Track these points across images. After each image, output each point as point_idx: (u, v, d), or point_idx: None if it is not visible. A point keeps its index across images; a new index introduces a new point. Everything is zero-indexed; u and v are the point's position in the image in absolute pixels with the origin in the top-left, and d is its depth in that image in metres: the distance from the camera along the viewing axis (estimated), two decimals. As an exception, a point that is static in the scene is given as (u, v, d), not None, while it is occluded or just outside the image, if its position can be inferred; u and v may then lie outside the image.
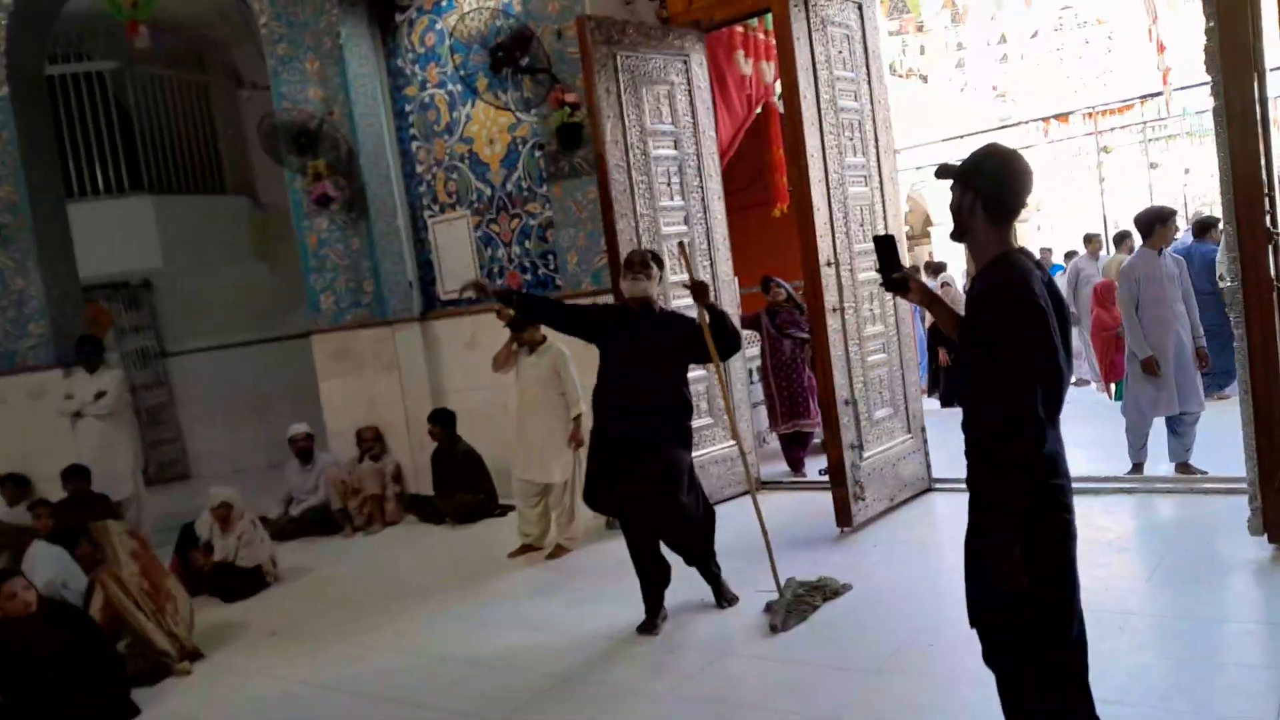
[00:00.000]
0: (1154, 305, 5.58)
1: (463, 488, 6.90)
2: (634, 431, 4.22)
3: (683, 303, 6.17)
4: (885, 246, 2.66)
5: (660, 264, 4.49)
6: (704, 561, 4.46)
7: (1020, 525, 2.23)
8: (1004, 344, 2.24)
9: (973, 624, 2.46)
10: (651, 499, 4.25)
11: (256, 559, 5.89)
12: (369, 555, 6.57)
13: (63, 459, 6.76)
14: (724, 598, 4.46)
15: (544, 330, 5.66)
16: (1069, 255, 10.48)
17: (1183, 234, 8.78)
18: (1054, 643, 2.38)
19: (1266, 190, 4.15)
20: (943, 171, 2.52)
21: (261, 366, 11.07)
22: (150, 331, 11.09)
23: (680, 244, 4.62)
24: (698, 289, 4.29)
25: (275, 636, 5.03)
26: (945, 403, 8.79)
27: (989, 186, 2.36)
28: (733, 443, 6.38)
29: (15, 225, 7.77)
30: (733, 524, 5.43)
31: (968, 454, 2.43)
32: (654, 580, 4.35)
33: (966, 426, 2.43)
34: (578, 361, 5.71)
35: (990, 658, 2.50)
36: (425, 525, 7.05)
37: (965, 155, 2.55)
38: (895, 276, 2.63)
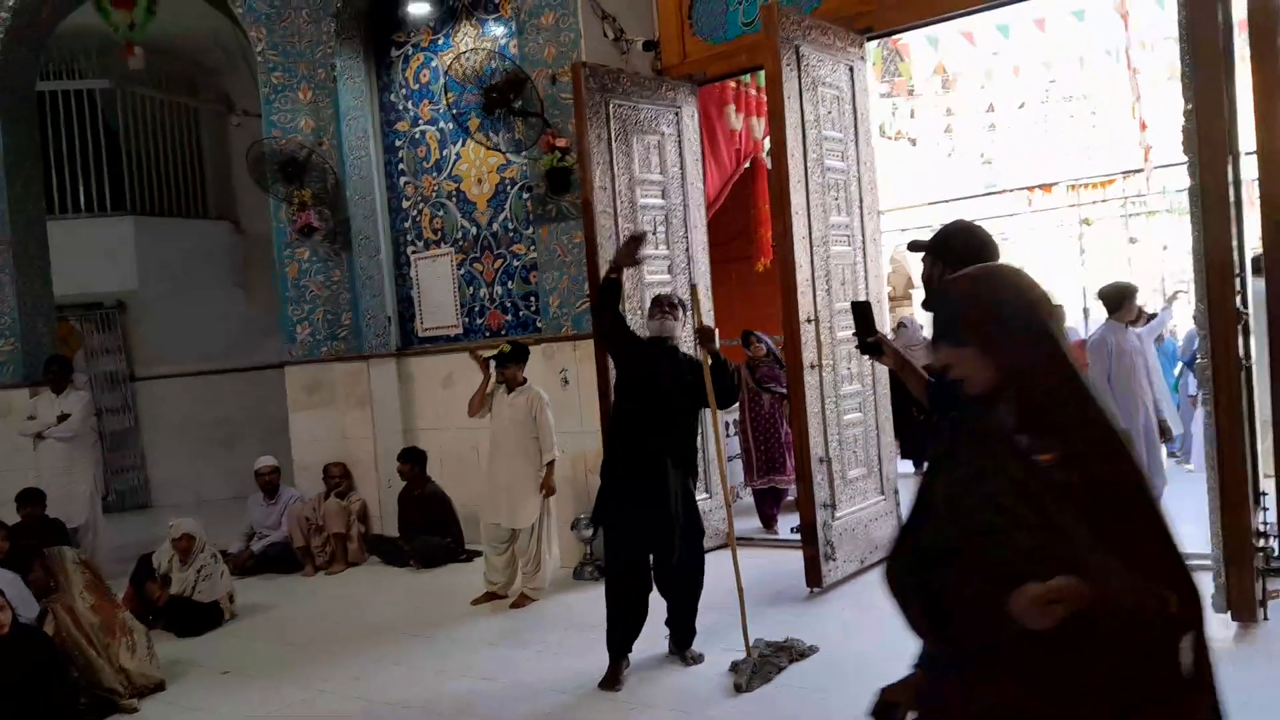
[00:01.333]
0: (1125, 379, 5.64)
1: (429, 530, 6.79)
2: (655, 470, 4.25)
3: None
4: (862, 311, 2.75)
5: (686, 310, 4.58)
6: (690, 614, 4.42)
7: None
8: None
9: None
10: (673, 543, 4.27)
11: (214, 594, 5.75)
12: (329, 595, 6.43)
13: (21, 480, 6.62)
14: (690, 656, 4.38)
15: (525, 373, 5.61)
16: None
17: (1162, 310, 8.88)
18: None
19: (1237, 271, 4.21)
20: (914, 245, 2.63)
21: (231, 396, 10.94)
22: (120, 354, 10.94)
23: (692, 287, 4.68)
24: (704, 333, 4.35)
25: (227, 675, 4.89)
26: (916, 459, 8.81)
27: (958, 259, 2.44)
28: (705, 495, 6.34)
29: (-8, 239, 7.70)
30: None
31: None
32: (629, 627, 4.29)
33: None
34: (559, 407, 5.69)
35: None
36: (388, 567, 6.92)
37: (938, 227, 2.65)
38: (870, 340, 2.69)
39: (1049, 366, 1.63)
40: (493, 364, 5.59)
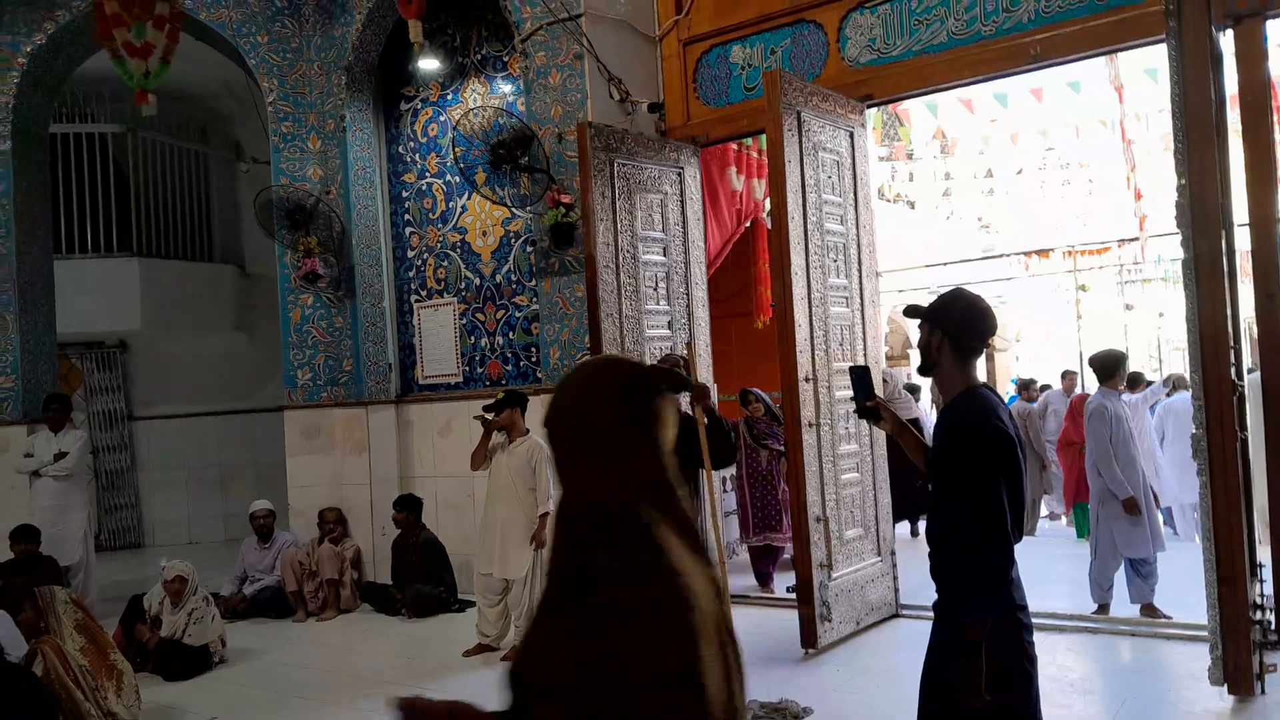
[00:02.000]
0: (1124, 445, 5.68)
1: (422, 578, 6.76)
2: None
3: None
4: (860, 376, 2.79)
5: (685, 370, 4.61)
6: None
7: (984, 643, 2.29)
8: (973, 470, 2.37)
9: None
10: None
11: (205, 637, 5.71)
12: (320, 642, 6.37)
13: (15, 517, 6.60)
14: None
15: (525, 423, 5.64)
16: (1043, 388, 10.64)
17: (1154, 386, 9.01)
18: None
19: (1232, 343, 4.27)
20: (911, 311, 2.67)
21: (229, 438, 10.95)
22: (119, 393, 10.95)
23: (688, 345, 4.70)
24: (700, 392, 4.36)
25: (214, 722, 4.84)
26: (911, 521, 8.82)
27: (955, 327, 2.50)
28: (700, 551, 6.32)
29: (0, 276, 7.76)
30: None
31: (934, 574, 2.48)
32: None
33: (934, 545, 2.49)
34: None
35: None
36: (380, 615, 6.87)
37: (937, 292, 2.70)
38: (869, 405, 2.72)
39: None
40: (491, 415, 5.61)
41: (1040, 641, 5.15)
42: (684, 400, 5.01)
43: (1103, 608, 5.71)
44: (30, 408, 7.64)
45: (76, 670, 4.39)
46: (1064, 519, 9.15)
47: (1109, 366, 5.86)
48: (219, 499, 10.83)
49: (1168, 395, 8.65)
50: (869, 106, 6.07)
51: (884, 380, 8.54)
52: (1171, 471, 8.25)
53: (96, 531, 9.30)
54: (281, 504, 7.63)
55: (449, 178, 7.44)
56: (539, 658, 1.37)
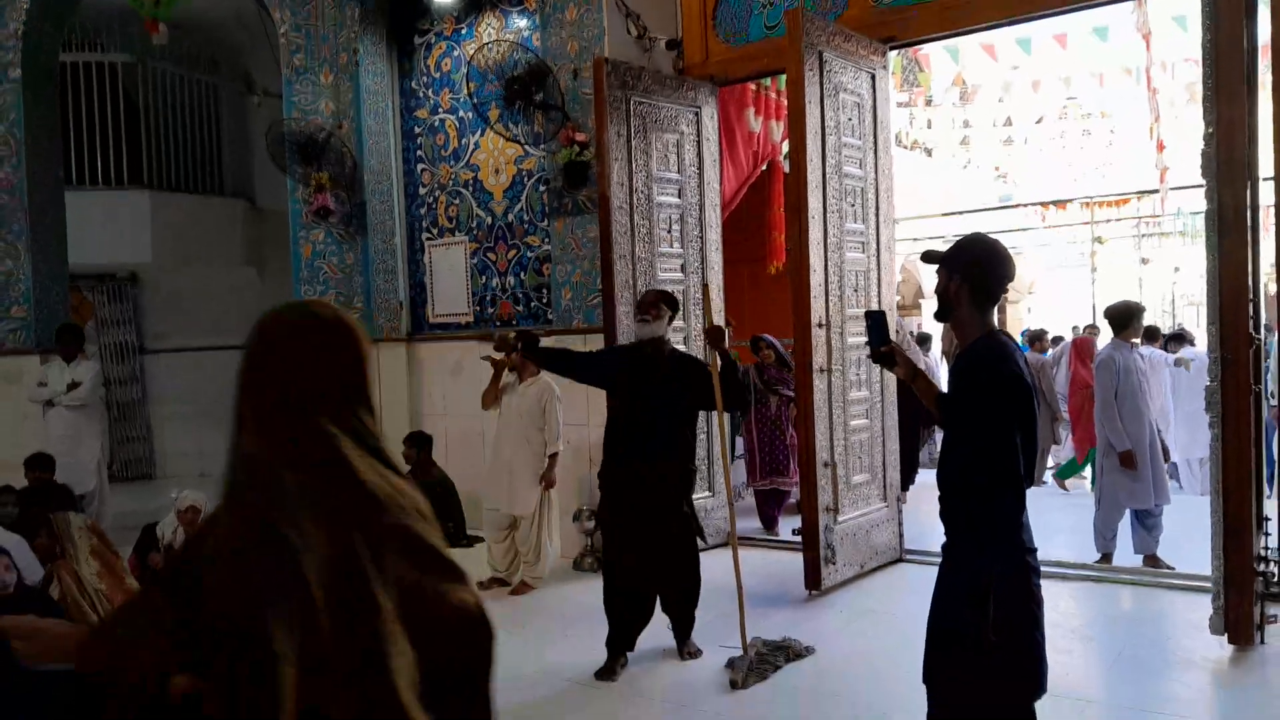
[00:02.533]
0: (1130, 397, 5.66)
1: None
2: (650, 478, 4.25)
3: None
4: (877, 321, 2.76)
5: (673, 304, 4.49)
6: (689, 611, 4.45)
7: (993, 584, 2.30)
8: (989, 412, 2.36)
9: (926, 681, 2.49)
10: (673, 553, 4.30)
11: (216, 566, 5.79)
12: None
13: (28, 446, 6.66)
14: (688, 650, 4.42)
15: None
16: (1055, 340, 10.60)
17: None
18: (1014, 707, 2.40)
19: (1251, 295, 4.22)
20: (929, 257, 2.63)
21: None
22: (131, 326, 11.00)
23: (704, 286, 4.65)
24: (714, 334, 4.33)
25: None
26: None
27: (975, 273, 2.47)
28: (707, 493, 6.37)
29: (11, 206, 7.74)
30: (702, 576, 5.39)
31: (943, 517, 2.49)
32: (627, 629, 4.31)
33: (945, 489, 2.48)
34: (566, 399, 5.72)
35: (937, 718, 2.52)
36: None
37: (954, 238, 2.65)
38: (883, 350, 2.70)
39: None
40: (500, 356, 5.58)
41: (1044, 588, 5.19)
42: (699, 343, 4.99)
43: (1105, 557, 5.75)
44: (43, 338, 7.68)
45: (92, 594, 4.46)
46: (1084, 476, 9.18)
47: (1123, 318, 5.82)
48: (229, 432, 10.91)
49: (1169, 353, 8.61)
50: (891, 49, 5.95)
51: (895, 330, 8.54)
52: (1181, 426, 8.26)
53: (109, 462, 9.40)
54: (292, 439, 7.67)
55: (462, 114, 7.35)
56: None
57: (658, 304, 4.39)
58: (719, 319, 5.43)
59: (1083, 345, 8.66)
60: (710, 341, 4.35)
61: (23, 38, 7.60)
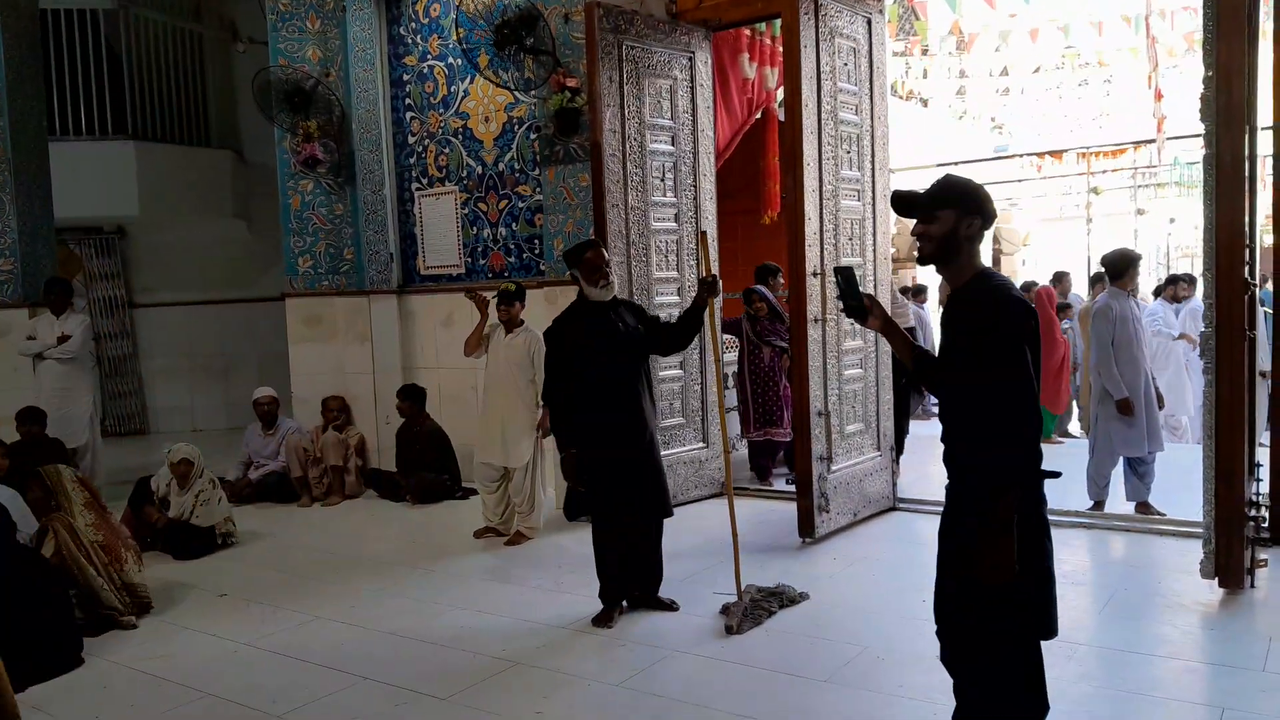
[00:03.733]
0: (1127, 346, 5.65)
1: (427, 466, 6.84)
2: (626, 436, 4.22)
3: (665, 298, 6.17)
4: (846, 277, 2.72)
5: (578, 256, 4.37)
6: (656, 556, 4.46)
7: (1016, 503, 2.34)
8: (1002, 342, 2.34)
9: (939, 621, 2.48)
10: (652, 502, 4.29)
11: (212, 519, 5.80)
12: (326, 526, 6.49)
13: (19, 400, 6.63)
14: (666, 601, 4.44)
15: (524, 315, 5.62)
16: (1028, 287, 10.50)
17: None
18: (1029, 641, 2.42)
19: (1247, 241, 4.20)
20: (903, 199, 2.57)
21: (231, 326, 10.94)
22: (120, 280, 10.91)
23: (702, 234, 4.57)
24: (709, 285, 4.26)
25: (225, 598, 4.95)
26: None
27: (988, 209, 2.44)
28: (701, 445, 6.38)
29: (-7, 157, 7.61)
30: (696, 526, 5.43)
31: (948, 461, 2.48)
32: (623, 579, 4.30)
33: (951, 428, 2.48)
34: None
35: (954, 658, 2.52)
36: (384, 501, 6.98)
37: (928, 185, 2.59)
38: (854, 304, 2.66)
39: None
40: (494, 302, 5.59)
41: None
42: (692, 293, 4.89)
43: (1098, 504, 5.79)
44: (30, 291, 7.59)
45: (89, 546, 4.46)
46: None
47: (1119, 266, 5.79)
48: (221, 387, 10.88)
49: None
50: (888, -9, 5.85)
51: (890, 287, 8.50)
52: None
53: (101, 417, 9.37)
54: (285, 392, 7.66)
55: (451, 60, 7.22)
56: None
57: (609, 261, 4.33)
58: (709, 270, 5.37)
59: (1046, 296, 8.75)
60: (706, 291, 4.30)
61: (0, -17, 7.41)
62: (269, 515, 6.74)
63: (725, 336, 6.90)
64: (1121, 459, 5.74)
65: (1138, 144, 12.44)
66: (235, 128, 11.12)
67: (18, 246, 7.61)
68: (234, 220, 10.87)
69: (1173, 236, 16.21)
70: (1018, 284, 7.25)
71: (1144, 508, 5.69)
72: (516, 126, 6.96)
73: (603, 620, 4.23)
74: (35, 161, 7.86)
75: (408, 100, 7.54)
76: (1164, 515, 5.56)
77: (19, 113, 7.62)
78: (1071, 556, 4.97)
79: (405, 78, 7.53)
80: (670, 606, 4.38)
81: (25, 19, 7.83)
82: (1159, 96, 11.00)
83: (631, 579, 4.35)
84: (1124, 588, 4.48)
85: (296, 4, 7.40)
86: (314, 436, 7.18)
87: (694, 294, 5.93)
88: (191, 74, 10.76)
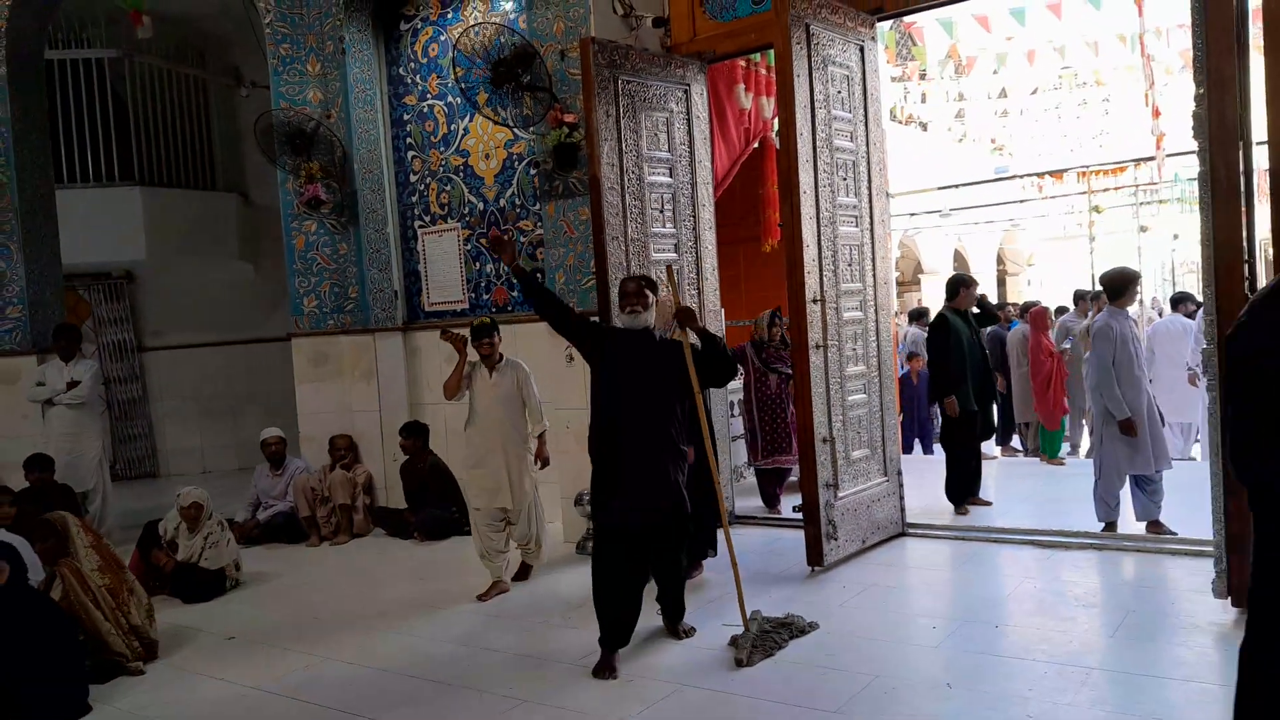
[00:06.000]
0: (1128, 365, 5.63)
1: (433, 503, 6.83)
2: (648, 468, 4.15)
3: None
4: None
5: (654, 287, 4.38)
6: (680, 591, 4.43)
7: None
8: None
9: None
10: (673, 539, 4.27)
11: (220, 561, 5.80)
12: (334, 565, 6.48)
13: (28, 447, 6.66)
14: (684, 629, 4.41)
15: (500, 348, 5.49)
16: (1060, 311, 10.56)
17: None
18: None
19: (1246, 257, 4.20)
20: None
21: (238, 367, 10.99)
22: (128, 324, 10.99)
23: (667, 267, 4.56)
24: (684, 315, 4.25)
25: (233, 641, 4.94)
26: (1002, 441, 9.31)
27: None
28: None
29: (2, 207, 7.71)
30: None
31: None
32: (623, 618, 4.19)
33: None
34: (567, 382, 5.65)
35: None
36: (392, 539, 6.97)
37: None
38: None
39: None
40: (469, 340, 5.38)
41: (1045, 558, 5.19)
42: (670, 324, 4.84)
43: (1109, 525, 5.74)
44: (39, 338, 7.67)
45: (95, 590, 4.46)
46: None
47: (1118, 285, 5.79)
48: (230, 428, 10.92)
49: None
50: (880, 19, 5.90)
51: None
52: (1165, 393, 8.27)
53: (112, 461, 9.40)
54: (292, 432, 7.68)
55: (450, 99, 7.30)
56: None
57: (642, 292, 4.27)
58: (710, 302, 5.38)
59: (1038, 316, 8.92)
60: (681, 322, 4.27)
61: (5, 34, 7.55)
62: (278, 556, 6.73)
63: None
64: (1129, 478, 5.70)
65: (1138, 161, 12.46)
66: (240, 171, 11.24)
67: (26, 294, 7.69)
68: (240, 262, 10.97)
69: (1177, 252, 16.19)
70: (1021, 303, 7.26)
71: (1155, 526, 5.64)
72: (516, 163, 7.02)
73: (603, 671, 4.04)
74: (42, 209, 7.97)
75: (409, 139, 7.62)
76: (1175, 534, 5.51)
77: (26, 161, 7.73)
78: (1083, 579, 4.93)
79: (406, 117, 7.62)
80: (687, 633, 4.38)
81: (31, 70, 7.97)
82: (1157, 114, 11.04)
83: (633, 621, 4.25)
84: (1136, 609, 4.43)
85: (297, 48, 7.51)
86: (322, 475, 7.18)
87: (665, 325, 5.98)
88: (196, 119, 10.91)
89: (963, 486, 6.59)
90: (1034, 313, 9.04)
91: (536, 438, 5.50)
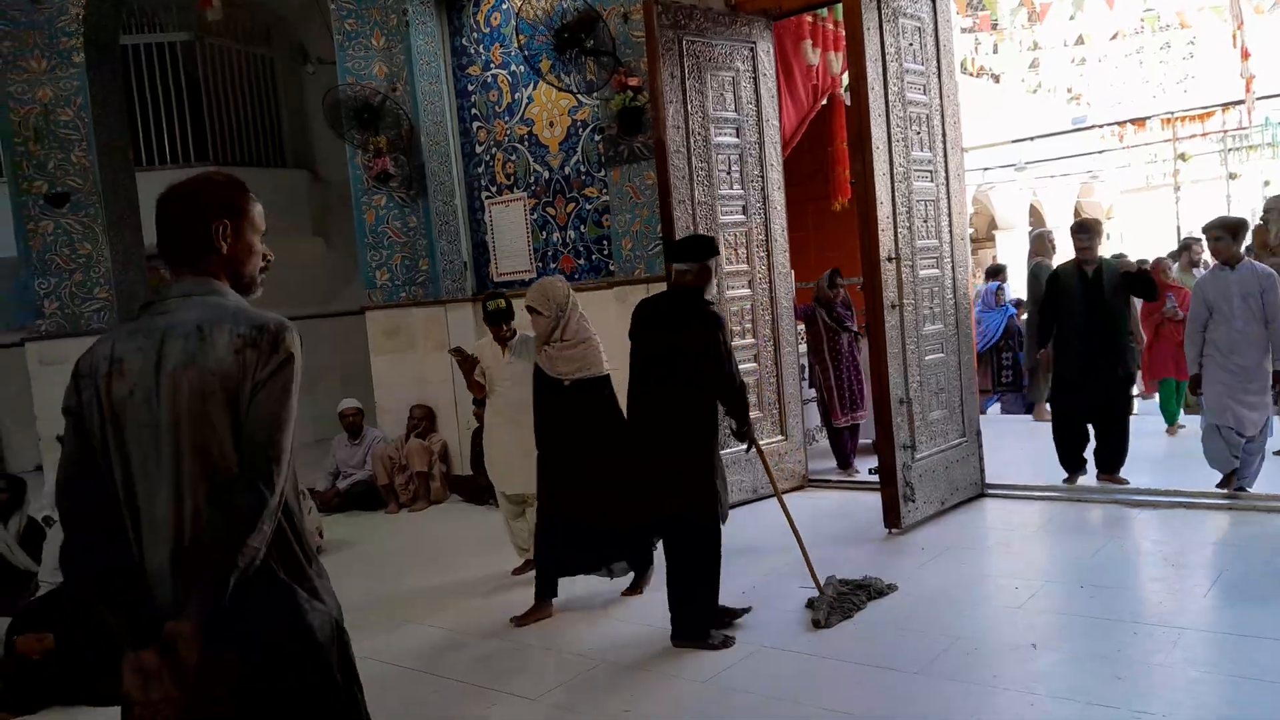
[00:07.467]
0: (1225, 321, 5.36)
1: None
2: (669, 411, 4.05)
3: (736, 292, 6.12)
4: None
5: (715, 251, 4.16)
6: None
7: None
8: None
9: None
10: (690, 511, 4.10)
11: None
12: (413, 532, 6.61)
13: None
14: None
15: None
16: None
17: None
18: None
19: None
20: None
21: (314, 341, 11.09)
22: (210, 301, 11.26)
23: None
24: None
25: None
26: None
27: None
28: (780, 438, 6.31)
29: (85, 190, 7.94)
30: (775, 522, 5.36)
31: None
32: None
33: None
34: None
35: None
36: (469, 505, 7.08)
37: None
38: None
39: None
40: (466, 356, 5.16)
41: (1135, 516, 5.03)
42: (764, 286, 4.76)
43: (1226, 480, 5.42)
44: (126, 316, 7.91)
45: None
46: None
47: (1229, 234, 5.49)
48: (307, 400, 10.98)
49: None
50: (952, -35, 5.70)
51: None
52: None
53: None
54: (368, 403, 7.83)
55: (514, 68, 7.29)
56: None
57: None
58: (779, 263, 5.18)
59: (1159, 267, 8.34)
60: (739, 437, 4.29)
61: (83, 21, 7.73)
62: (357, 523, 6.90)
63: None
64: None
65: (1226, 106, 11.89)
66: (309, 147, 11.42)
67: (112, 275, 7.93)
68: (312, 238, 11.17)
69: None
70: (1107, 256, 6.78)
71: (1227, 481, 5.36)
72: (581, 129, 6.99)
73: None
74: (124, 192, 8.19)
75: (473, 110, 7.64)
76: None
77: (106, 146, 7.94)
78: (1173, 538, 4.78)
79: (470, 88, 7.63)
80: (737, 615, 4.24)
81: (108, 55, 8.16)
82: (1246, 55, 10.49)
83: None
84: (1230, 567, 4.28)
85: (361, 22, 7.56)
86: (399, 444, 7.32)
87: (764, 287, 5.88)
88: (266, 98, 11.10)
89: (1064, 454, 6.00)
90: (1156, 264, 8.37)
91: None
